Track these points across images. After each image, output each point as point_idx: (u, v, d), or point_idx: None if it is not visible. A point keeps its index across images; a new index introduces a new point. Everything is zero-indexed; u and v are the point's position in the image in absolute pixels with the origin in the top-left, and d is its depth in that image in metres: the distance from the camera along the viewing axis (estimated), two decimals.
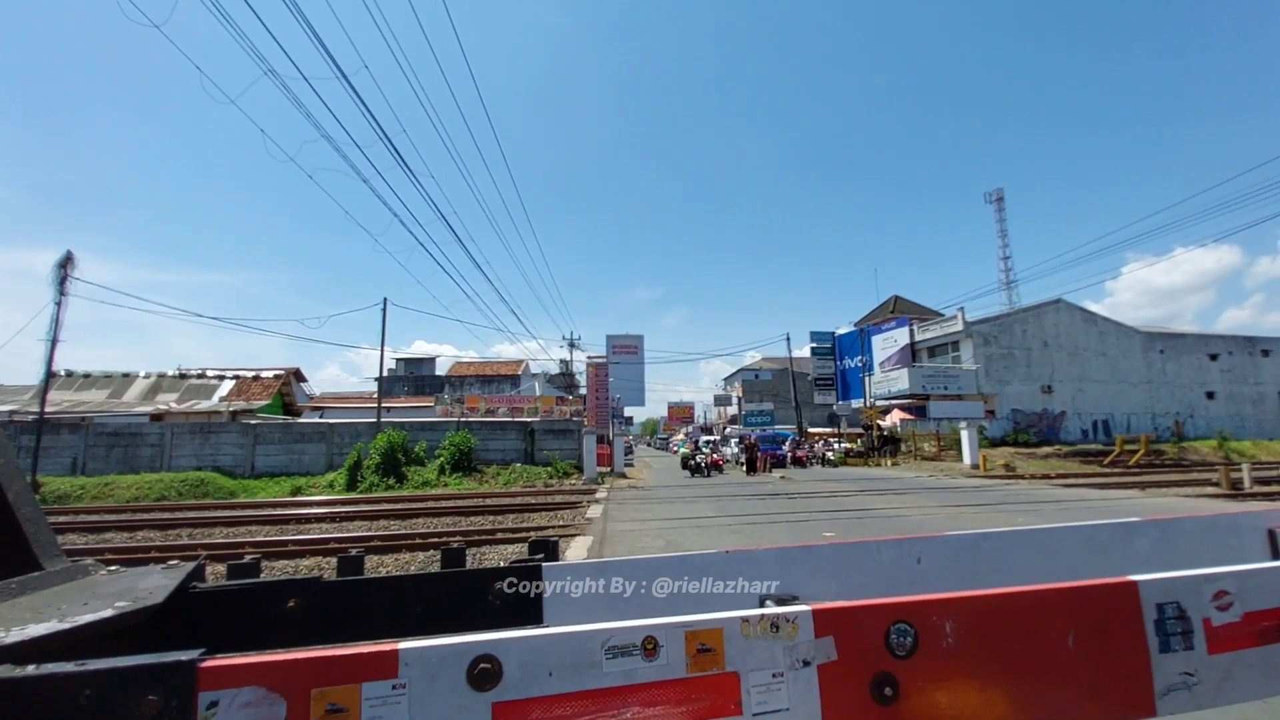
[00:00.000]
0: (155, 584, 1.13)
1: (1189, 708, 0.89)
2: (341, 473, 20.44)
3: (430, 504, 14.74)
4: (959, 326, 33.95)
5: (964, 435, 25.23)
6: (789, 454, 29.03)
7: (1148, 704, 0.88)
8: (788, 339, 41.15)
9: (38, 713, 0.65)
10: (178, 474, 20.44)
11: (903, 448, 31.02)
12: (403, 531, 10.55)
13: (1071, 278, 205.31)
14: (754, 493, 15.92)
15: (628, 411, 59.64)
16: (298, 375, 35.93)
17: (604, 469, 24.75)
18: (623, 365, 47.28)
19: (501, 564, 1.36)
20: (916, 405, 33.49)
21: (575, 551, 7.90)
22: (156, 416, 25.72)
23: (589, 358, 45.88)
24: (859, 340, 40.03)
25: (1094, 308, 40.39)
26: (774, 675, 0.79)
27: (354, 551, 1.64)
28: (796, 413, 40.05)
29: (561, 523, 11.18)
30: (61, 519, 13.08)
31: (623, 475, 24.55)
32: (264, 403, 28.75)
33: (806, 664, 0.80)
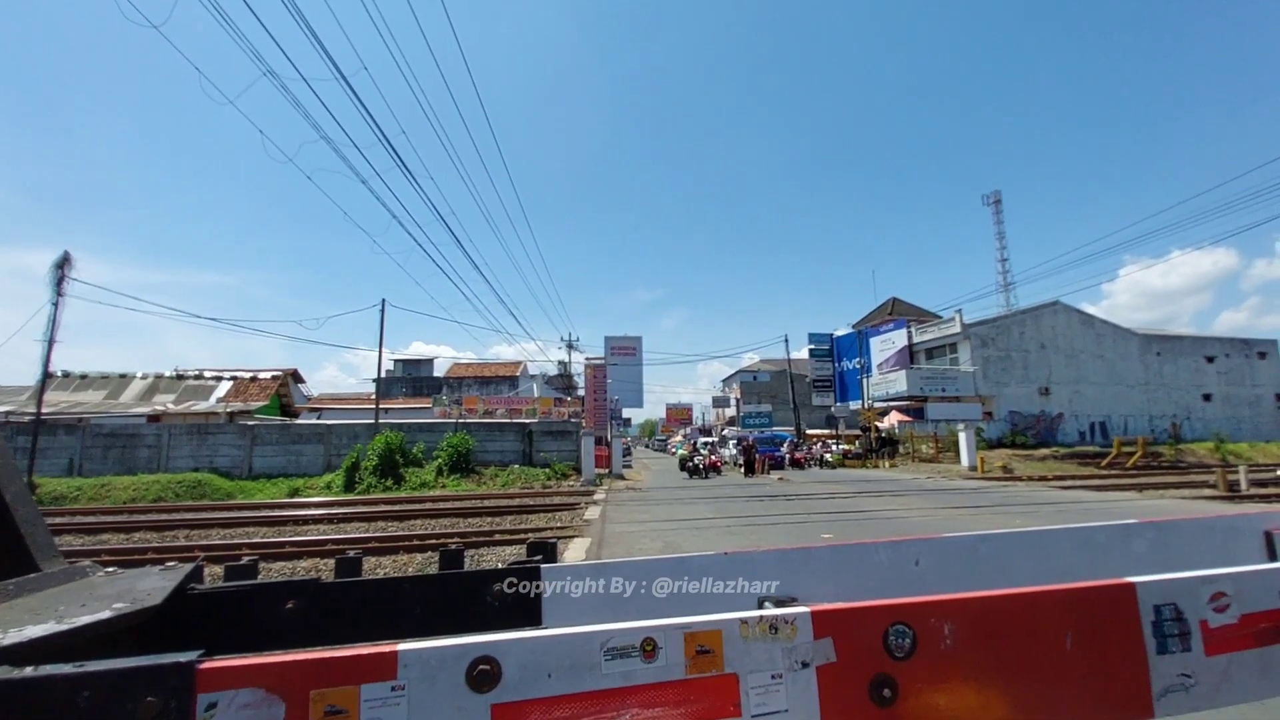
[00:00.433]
0: (153, 585, 1.13)
1: (1186, 709, 0.89)
2: (339, 474, 20.41)
3: (428, 505, 14.71)
4: (957, 328, 34.03)
5: (962, 437, 25.25)
6: (787, 455, 29.03)
7: (1145, 705, 0.88)
8: (786, 341, 41.25)
9: (36, 714, 0.65)
10: (175, 475, 20.38)
11: (900, 449, 31.03)
12: (401, 533, 10.53)
13: (1069, 280, 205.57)
14: (752, 494, 15.90)
15: (626, 413, 59.60)
16: (295, 376, 35.86)
17: (602, 470, 24.72)
18: (621, 367, 47.21)
19: (500, 565, 1.36)
20: (914, 407, 33.56)
21: (573, 553, 7.88)
22: (154, 417, 25.66)
23: (587, 359, 45.79)
24: (857, 342, 40.09)
25: (1091, 310, 40.67)
26: (773, 677, 0.80)
27: (352, 553, 1.64)
28: (794, 414, 40.09)
29: (559, 524, 11.17)
30: (59, 520, 13.04)
31: (621, 477, 24.50)
32: (262, 404, 28.72)
33: (805, 665, 0.81)
